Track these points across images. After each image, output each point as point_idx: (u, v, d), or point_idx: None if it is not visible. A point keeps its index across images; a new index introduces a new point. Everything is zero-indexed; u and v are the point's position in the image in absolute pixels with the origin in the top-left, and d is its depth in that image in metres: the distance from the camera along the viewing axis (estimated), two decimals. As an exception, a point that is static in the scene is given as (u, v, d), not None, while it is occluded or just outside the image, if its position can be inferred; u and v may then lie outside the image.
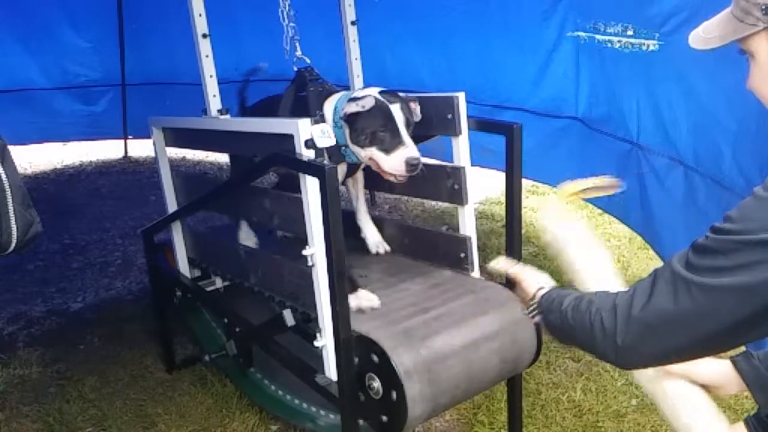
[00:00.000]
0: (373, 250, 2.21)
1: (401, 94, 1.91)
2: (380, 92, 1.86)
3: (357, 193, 2.25)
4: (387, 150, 1.81)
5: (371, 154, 1.84)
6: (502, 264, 1.47)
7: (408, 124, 1.82)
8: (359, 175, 2.23)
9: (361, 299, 1.82)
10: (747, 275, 0.85)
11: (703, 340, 0.93)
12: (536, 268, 1.40)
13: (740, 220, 0.88)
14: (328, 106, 1.92)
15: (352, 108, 1.79)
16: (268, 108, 2.16)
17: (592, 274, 1.34)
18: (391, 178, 1.85)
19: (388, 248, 2.22)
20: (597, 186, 1.52)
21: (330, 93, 1.97)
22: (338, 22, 2.34)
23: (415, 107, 1.91)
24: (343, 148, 1.90)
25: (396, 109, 1.80)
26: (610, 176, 1.51)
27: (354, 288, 1.83)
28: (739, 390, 1.22)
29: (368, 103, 1.78)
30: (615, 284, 1.30)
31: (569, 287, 1.27)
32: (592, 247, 1.41)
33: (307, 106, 1.95)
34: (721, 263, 0.88)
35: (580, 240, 1.42)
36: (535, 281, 1.32)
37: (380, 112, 1.80)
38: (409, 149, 1.79)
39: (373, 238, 2.23)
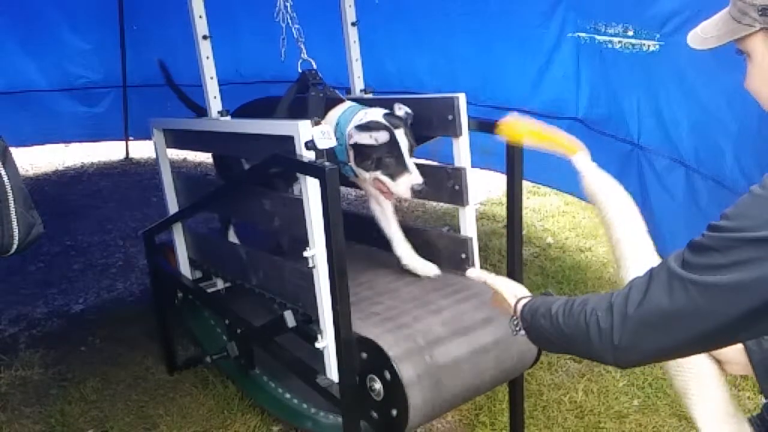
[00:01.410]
0: (423, 274, 2.01)
1: (400, 111, 1.90)
2: (384, 115, 1.86)
3: (385, 209, 2.06)
4: (392, 175, 1.84)
5: (376, 176, 1.87)
6: (476, 273, 1.46)
7: (411, 148, 1.85)
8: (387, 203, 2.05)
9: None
10: (743, 273, 0.86)
11: (700, 338, 0.93)
12: (514, 280, 1.38)
13: (737, 217, 0.88)
14: (330, 118, 1.92)
15: (365, 140, 1.80)
16: (265, 108, 2.16)
17: (630, 246, 1.30)
18: (391, 200, 1.91)
19: (437, 271, 2.00)
20: (553, 140, 1.47)
21: (333, 102, 1.97)
22: (335, 22, 2.34)
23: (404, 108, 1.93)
24: (342, 164, 1.91)
25: (401, 135, 1.83)
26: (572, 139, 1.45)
27: None
28: (744, 372, 1.20)
29: (382, 138, 1.80)
30: (651, 256, 1.26)
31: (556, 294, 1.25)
32: (632, 217, 1.36)
33: (305, 109, 1.95)
34: (718, 261, 0.88)
35: (623, 208, 1.37)
36: (512, 293, 1.31)
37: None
38: (413, 176, 1.83)
39: (419, 263, 2.03)
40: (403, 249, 2.04)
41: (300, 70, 2.07)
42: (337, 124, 1.89)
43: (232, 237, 2.51)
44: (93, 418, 2.50)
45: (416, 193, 1.82)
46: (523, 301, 1.25)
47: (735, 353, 1.20)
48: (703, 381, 1.20)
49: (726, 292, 0.87)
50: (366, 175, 1.88)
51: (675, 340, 0.95)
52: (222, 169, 2.50)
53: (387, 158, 1.82)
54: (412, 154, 1.85)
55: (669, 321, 0.93)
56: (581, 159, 1.46)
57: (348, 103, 1.97)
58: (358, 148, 1.84)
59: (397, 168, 1.83)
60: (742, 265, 0.86)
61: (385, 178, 1.85)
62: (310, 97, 1.98)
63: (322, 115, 1.92)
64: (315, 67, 2.07)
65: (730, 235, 0.87)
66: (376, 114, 1.86)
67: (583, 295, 1.13)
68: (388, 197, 1.91)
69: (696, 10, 2.19)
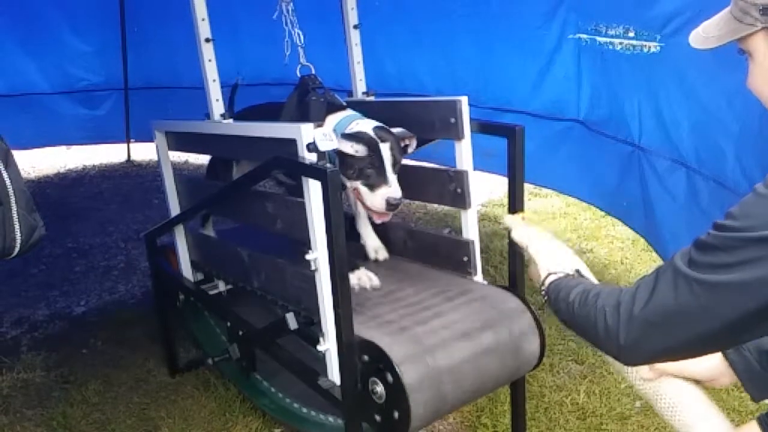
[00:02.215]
0: (372, 255, 2.18)
1: (398, 130, 1.92)
2: (374, 128, 1.87)
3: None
4: (371, 186, 1.85)
5: (356, 186, 1.88)
6: (518, 235, 1.46)
7: (395, 163, 1.86)
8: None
9: (362, 277, 1.95)
10: (748, 272, 0.86)
11: (705, 337, 0.94)
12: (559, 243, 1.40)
13: (741, 217, 0.89)
14: (329, 123, 1.93)
15: (346, 149, 1.82)
16: (268, 114, 2.16)
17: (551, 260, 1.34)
18: (368, 212, 1.92)
19: (386, 255, 2.19)
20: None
21: (333, 107, 1.99)
22: (335, 24, 2.34)
23: (411, 142, 1.94)
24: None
25: (385, 148, 1.83)
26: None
27: (353, 267, 1.95)
28: (732, 382, 1.23)
29: (362, 151, 1.82)
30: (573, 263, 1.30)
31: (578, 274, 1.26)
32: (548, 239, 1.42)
33: (307, 113, 1.96)
34: (723, 260, 0.89)
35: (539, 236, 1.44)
36: (546, 266, 1.31)
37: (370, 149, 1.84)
38: (392, 189, 1.84)
39: (372, 242, 2.20)
40: (365, 228, 2.18)
41: (299, 75, 2.08)
42: (334, 130, 1.90)
43: (210, 231, 2.54)
44: (95, 421, 2.50)
45: (392, 207, 1.83)
46: (551, 278, 1.26)
47: (719, 368, 1.23)
48: (701, 413, 1.22)
49: (731, 291, 0.88)
50: (348, 183, 1.90)
51: (679, 340, 0.95)
52: (213, 172, 2.51)
53: (368, 169, 1.84)
54: (395, 168, 1.86)
55: (674, 320, 0.94)
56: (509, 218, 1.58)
57: (348, 111, 1.98)
58: (342, 156, 1.85)
59: (377, 180, 1.84)
60: (747, 264, 0.86)
61: (364, 189, 1.86)
62: (310, 101, 1.99)
63: (323, 119, 1.93)
64: (314, 71, 2.08)
65: (735, 235, 0.88)
66: (367, 125, 1.88)
67: (597, 285, 1.14)
68: (365, 208, 1.93)
69: (697, 11, 2.19)
